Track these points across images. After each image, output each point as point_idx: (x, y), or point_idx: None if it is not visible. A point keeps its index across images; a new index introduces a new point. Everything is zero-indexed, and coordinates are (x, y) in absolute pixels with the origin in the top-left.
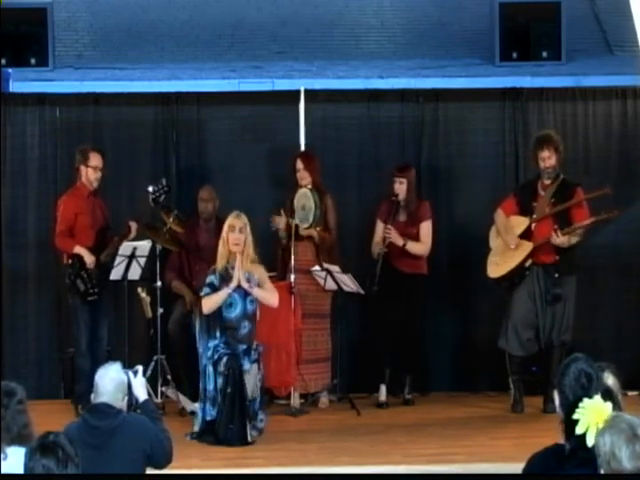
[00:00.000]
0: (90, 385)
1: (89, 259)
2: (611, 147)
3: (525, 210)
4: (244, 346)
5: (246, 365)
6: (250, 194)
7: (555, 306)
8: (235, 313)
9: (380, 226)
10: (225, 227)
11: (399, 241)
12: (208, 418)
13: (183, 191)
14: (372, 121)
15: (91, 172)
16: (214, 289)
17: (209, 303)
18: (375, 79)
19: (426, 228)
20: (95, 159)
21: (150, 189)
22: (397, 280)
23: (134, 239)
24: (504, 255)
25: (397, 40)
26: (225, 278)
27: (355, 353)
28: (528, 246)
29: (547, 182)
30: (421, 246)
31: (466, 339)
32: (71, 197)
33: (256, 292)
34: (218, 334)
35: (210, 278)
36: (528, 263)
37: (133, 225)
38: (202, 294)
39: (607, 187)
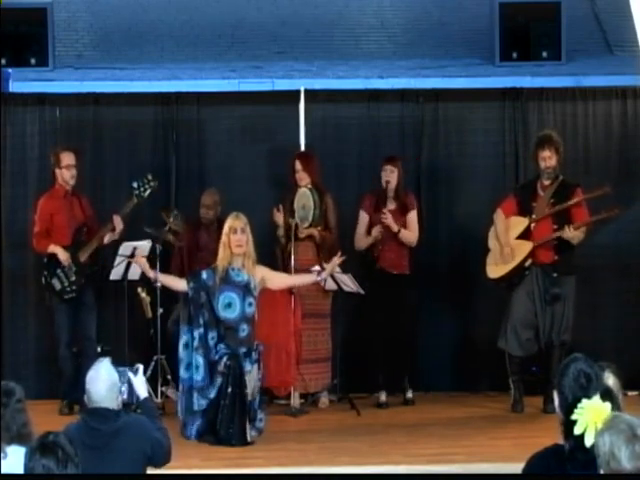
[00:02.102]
0: (73, 384)
1: (63, 256)
2: (611, 147)
3: (525, 210)
4: (244, 348)
5: (247, 366)
6: (250, 194)
7: (554, 306)
8: (234, 315)
9: (364, 217)
10: (225, 229)
11: (394, 227)
12: (195, 408)
13: (183, 191)
14: (372, 121)
15: (65, 172)
16: (198, 283)
17: (167, 280)
18: (375, 79)
19: (413, 217)
20: (66, 158)
21: (134, 185)
22: (383, 281)
23: (128, 238)
24: (503, 256)
25: (397, 40)
26: (224, 279)
27: (355, 353)
28: (528, 246)
29: (546, 183)
30: (411, 234)
31: (466, 339)
32: (47, 198)
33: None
34: (201, 321)
35: (204, 273)
36: (528, 263)
37: (116, 219)
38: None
39: (607, 186)
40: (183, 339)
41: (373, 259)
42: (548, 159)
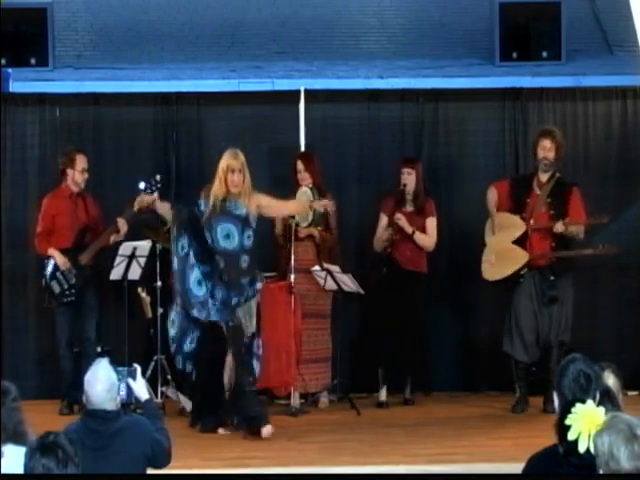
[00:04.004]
0: (73, 383)
1: (60, 261)
2: (611, 147)
3: (517, 205)
4: (247, 278)
5: (256, 297)
6: None
7: (552, 308)
8: (233, 245)
9: (384, 220)
10: (222, 165)
11: (408, 229)
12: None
13: (183, 191)
14: (372, 121)
15: (78, 175)
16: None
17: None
18: (375, 79)
19: (432, 223)
20: (81, 162)
21: (142, 186)
22: (398, 278)
23: (128, 238)
24: (498, 254)
25: (397, 40)
26: (222, 210)
27: (355, 353)
28: (524, 257)
29: (543, 179)
30: (428, 238)
31: (466, 339)
32: (52, 198)
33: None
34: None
35: (199, 202)
36: (523, 271)
37: (120, 221)
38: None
39: (605, 217)
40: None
41: (385, 258)
42: (547, 150)
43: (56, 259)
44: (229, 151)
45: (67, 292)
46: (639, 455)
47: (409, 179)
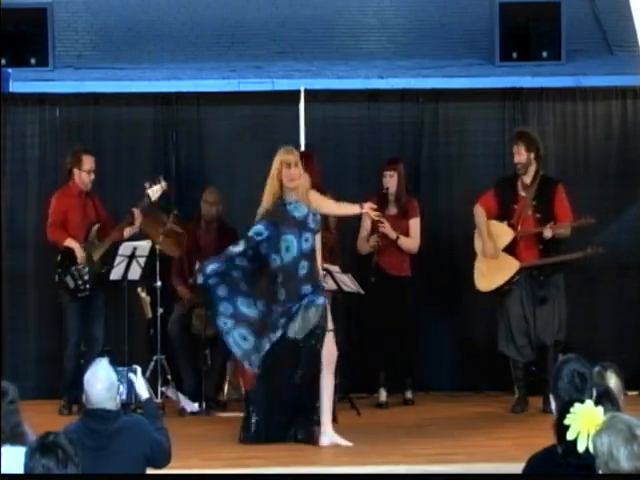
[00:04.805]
0: (74, 382)
1: (80, 254)
2: (611, 147)
3: (505, 211)
4: (308, 285)
5: (319, 300)
6: (250, 194)
7: (542, 308)
8: (292, 255)
9: (367, 221)
10: (276, 164)
11: (392, 234)
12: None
13: (183, 191)
14: (372, 121)
15: (85, 175)
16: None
17: None
18: (375, 79)
19: (415, 225)
20: (88, 162)
21: (146, 184)
22: (383, 283)
23: (133, 237)
24: (488, 264)
25: (397, 40)
26: (284, 218)
27: (355, 353)
28: (514, 265)
29: (527, 180)
30: (412, 241)
31: (466, 339)
32: (61, 195)
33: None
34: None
35: (259, 228)
36: (515, 279)
37: (136, 211)
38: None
39: (589, 217)
40: None
41: (372, 266)
42: (516, 154)
43: (76, 251)
44: (282, 148)
45: (81, 287)
46: (639, 455)
47: (391, 182)
